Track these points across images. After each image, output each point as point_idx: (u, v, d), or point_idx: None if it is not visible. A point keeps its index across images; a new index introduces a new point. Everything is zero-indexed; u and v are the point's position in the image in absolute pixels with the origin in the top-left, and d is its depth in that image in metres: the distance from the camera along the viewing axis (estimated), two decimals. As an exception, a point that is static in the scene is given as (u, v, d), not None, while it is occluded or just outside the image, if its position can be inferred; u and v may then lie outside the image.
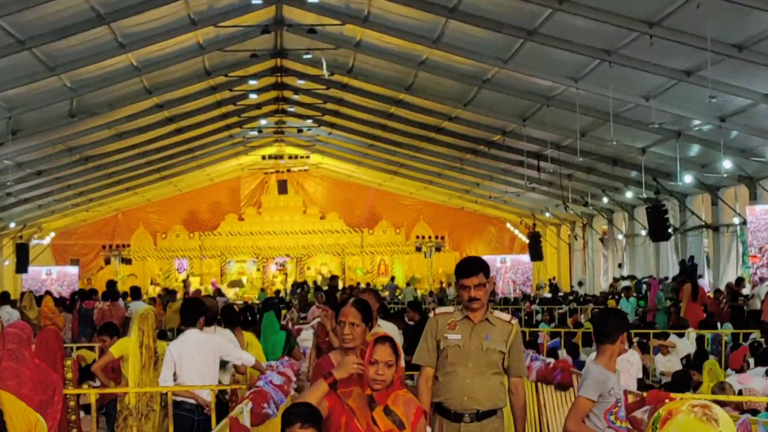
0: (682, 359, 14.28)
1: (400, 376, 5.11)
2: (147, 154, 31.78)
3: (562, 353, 14.99)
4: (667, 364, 13.78)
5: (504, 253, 42.64)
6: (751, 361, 12.99)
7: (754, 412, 8.38)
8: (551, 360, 10.25)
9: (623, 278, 30.48)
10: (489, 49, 20.00)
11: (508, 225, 43.88)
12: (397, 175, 39.64)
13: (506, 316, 6.19)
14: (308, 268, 43.59)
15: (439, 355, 6.10)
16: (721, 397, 7.86)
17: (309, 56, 24.29)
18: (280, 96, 30.42)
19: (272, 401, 7.59)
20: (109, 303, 19.13)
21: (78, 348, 15.25)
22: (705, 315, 19.39)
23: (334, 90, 27.85)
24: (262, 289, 38.76)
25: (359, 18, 20.45)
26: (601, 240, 36.66)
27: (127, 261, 42.64)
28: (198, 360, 8.56)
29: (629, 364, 10.53)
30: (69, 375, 8.92)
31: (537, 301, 30.34)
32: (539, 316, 24.89)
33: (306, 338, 13.32)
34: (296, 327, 16.52)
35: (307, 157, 41.30)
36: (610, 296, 27.39)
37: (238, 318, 10.75)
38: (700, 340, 15.05)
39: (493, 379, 6.05)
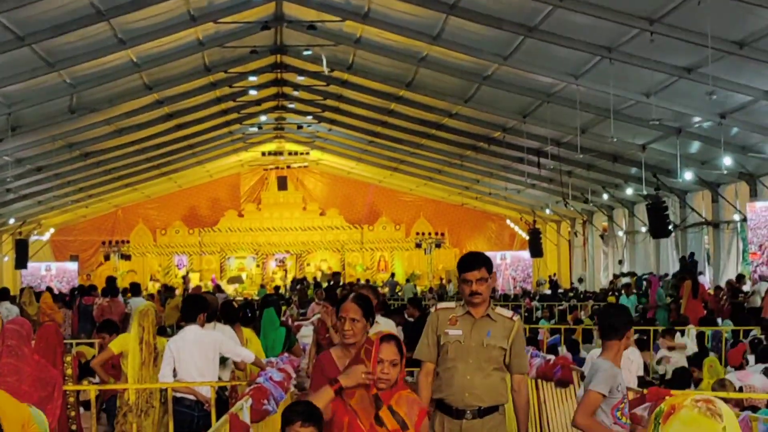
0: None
1: (403, 376, 5.06)
2: (146, 151, 31.75)
3: (562, 350, 14.99)
4: (678, 359, 13.67)
5: (504, 249, 42.66)
6: (750, 358, 13.00)
7: (754, 408, 8.37)
8: (551, 357, 10.24)
9: (623, 275, 30.48)
10: (489, 46, 19.98)
11: (508, 221, 43.88)
12: (397, 172, 39.62)
13: (508, 313, 6.16)
14: (308, 265, 43.60)
15: (439, 351, 6.07)
16: (722, 394, 7.84)
17: (309, 53, 24.26)
18: (280, 92, 30.40)
19: (272, 398, 7.58)
20: (108, 299, 19.11)
21: (77, 344, 15.25)
22: (705, 312, 19.39)
23: (334, 86, 27.84)
24: (262, 286, 38.75)
25: (359, 14, 20.43)
26: (602, 237, 36.67)
27: (126, 257, 42.64)
28: (197, 356, 8.55)
29: (629, 361, 10.50)
30: (69, 371, 8.91)
31: (537, 297, 30.34)
32: (539, 313, 24.90)
33: (306, 334, 13.29)
34: (296, 323, 16.52)
35: (307, 153, 41.26)
36: (610, 293, 27.40)
37: (238, 314, 10.75)
38: (700, 337, 15.06)
39: (494, 376, 6.01)
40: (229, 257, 43.78)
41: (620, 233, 34.43)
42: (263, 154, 41.13)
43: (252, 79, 26.72)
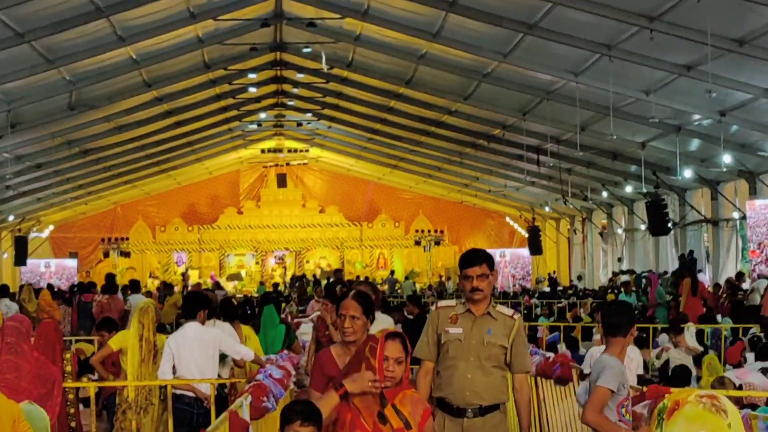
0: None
1: (408, 375, 5.01)
2: (146, 148, 31.74)
3: (561, 347, 14.99)
4: (682, 357, 13.61)
5: (503, 247, 42.66)
6: (749, 356, 13.00)
7: (753, 407, 8.37)
8: (550, 354, 10.25)
9: (622, 272, 30.49)
10: (489, 43, 19.97)
11: (508, 219, 43.87)
12: (396, 169, 39.62)
13: (509, 311, 6.12)
14: (307, 262, 43.60)
15: (440, 349, 6.04)
16: (721, 392, 7.84)
17: (308, 50, 24.24)
18: (280, 89, 30.39)
19: (272, 395, 7.59)
20: (107, 296, 19.08)
21: (77, 341, 15.25)
22: (704, 310, 19.39)
23: (334, 84, 27.82)
24: (261, 283, 38.75)
25: (359, 11, 20.41)
26: (601, 234, 36.67)
27: (125, 254, 42.62)
28: (197, 353, 8.55)
29: (629, 359, 10.50)
30: (68, 368, 8.92)
31: (536, 295, 30.35)
32: (538, 311, 24.91)
33: (305, 332, 13.28)
34: (295, 320, 16.51)
35: (307, 150, 41.25)
36: (609, 291, 27.40)
37: (237, 311, 10.75)
38: (699, 335, 15.06)
39: (495, 374, 5.98)
40: (228, 254, 43.79)
41: (619, 231, 34.43)
42: (263, 151, 41.11)
43: (251, 76, 26.70)
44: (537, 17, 17.52)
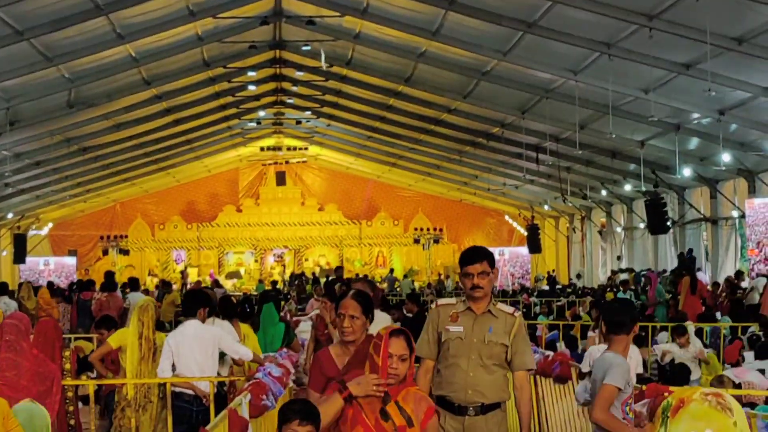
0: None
1: (412, 372, 4.99)
2: (145, 145, 31.74)
3: (561, 346, 14.99)
4: (686, 355, 13.54)
5: (502, 245, 42.65)
6: (747, 355, 12.99)
7: (752, 405, 8.38)
8: (550, 353, 10.26)
9: (621, 271, 30.50)
10: (488, 42, 19.97)
11: (507, 217, 43.87)
12: (395, 167, 39.62)
13: (509, 309, 6.09)
14: (306, 260, 43.60)
15: (440, 348, 6.01)
16: (720, 391, 7.85)
17: (308, 48, 24.24)
18: (279, 87, 30.38)
19: (271, 393, 7.59)
20: (106, 294, 19.06)
21: (76, 339, 15.23)
22: (703, 308, 19.40)
23: (333, 81, 27.82)
24: (260, 281, 38.74)
25: (358, 9, 20.40)
26: (600, 233, 36.67)
27: (124, 252, 42.61)
28: (196, 351, 8.55)
29: (628, 358, 10.53)
30: (67, 366, 8.92)
31: (535, 293, 30.35)
32: (537, 309, 24.91)
33: (304, 330, 13.27)
34: (294, 319, 16.50)
35: (306, 148, 41.25)
36: (608, 289, 27.40)
37: (236, 309, 10.76)
38: (698, 333, 15.04)
39: (496, 372, 5.96)
40: (227, 252, 43.79)
41: (618, 229, 34.44)
42: (262, 149, 41.13)
43: (251, 74, 26.69)
44: (536, 16, 17.53)
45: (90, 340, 14.10)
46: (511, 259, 42.31)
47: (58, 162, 30.08)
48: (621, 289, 24.61)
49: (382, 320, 8.09)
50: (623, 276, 28.40)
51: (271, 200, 44.48)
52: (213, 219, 44.36)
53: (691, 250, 26.27)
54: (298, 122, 35.07)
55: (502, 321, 5.99)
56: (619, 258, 34.09)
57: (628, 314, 5.93)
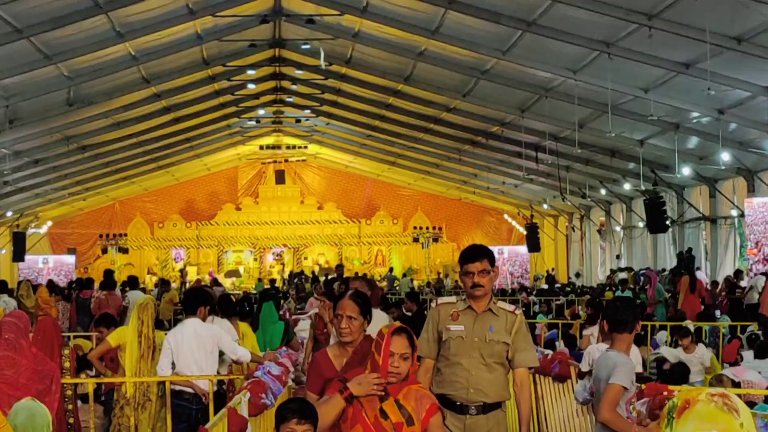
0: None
1: (415, 370, 4.96)
2: (144, 144, 31.73)
3: (560, 345, 14.99)
4: (693, 360, 13.43)
5: (501, 244, 42.65)
6: (745, 354, 12.99)
7: (751, 404, 8.38)
8: (549, 351, 10.26)
9: (620, 270, 30.50)
10: (488, 41, 19.96)
11: (506, 216, 43.88)
12: (395, 166, 39.62)
13: (510, 307, 6.09)
14: (305, 258, 43.59)
15: (441, 347, 6.00)
16: (727, 391, 7.85)
17: (307, 46, 24.23)
18: (278, 86, 30.38)
19: (270, 392, 7.59)
20: (106, 292, 19.07)
21: (75, 337, 15.23)
22: (702, 307, 19.40)
23: (333, 80, 27.81)
24: (259, 279, 38.75)
25: (358, 8, 20.39)
26: (599, 232, 36.68)
27: (124, 250, 42.61)
28: (196, 349, 8.55)
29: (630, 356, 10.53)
30: (66, 364, 8.91)
31: (534, 292, 30.35)
32: (536, 308, 24.91)
33: (303, 328, 13.29)
34: (293, 317, 16.52)
35: (305, 147, 41.25)
36: (607, 288, 27.41)
37: (235, 308, 10.76)
38: (697, 332, 15.04)
39: (498, 371, 5.95)
40: (226, 251, 43.77)
41: (618, 228, 34.44)
42: (261, 147, 41.12)
43: (250, 72, 26.69)
44: (536, 15, 17.53)
45: (89, 338, 14.10)
46: (510, 258, 42.32)
47: (57, 160, 30.07)
48: (620, 288, 24.62)
49: (380, 319, 8.09)
50: (622, 275, 28.41)
51: (271, 199, 44.46)
52: (212, 217, 44.35)
53: (690, 249, 26.27)
54: (298, 121, 35.07)
55: (503, 319, 5.97)
56: (618, 257, 34.10)
57: (630, 313, 5.94)
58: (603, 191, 32.04)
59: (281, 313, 14.34)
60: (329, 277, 25.47)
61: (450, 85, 24.69)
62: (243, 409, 6.91)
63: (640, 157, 24.64)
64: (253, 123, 35.04)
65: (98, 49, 20.15)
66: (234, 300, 13.11)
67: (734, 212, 24.69)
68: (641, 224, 30.22)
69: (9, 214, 35.25)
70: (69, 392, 9.01)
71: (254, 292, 30.61)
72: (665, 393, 5.89)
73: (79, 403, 9.48)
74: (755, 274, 21.28)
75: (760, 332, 14.33)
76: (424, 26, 20.12)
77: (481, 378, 5.90)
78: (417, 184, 43.38)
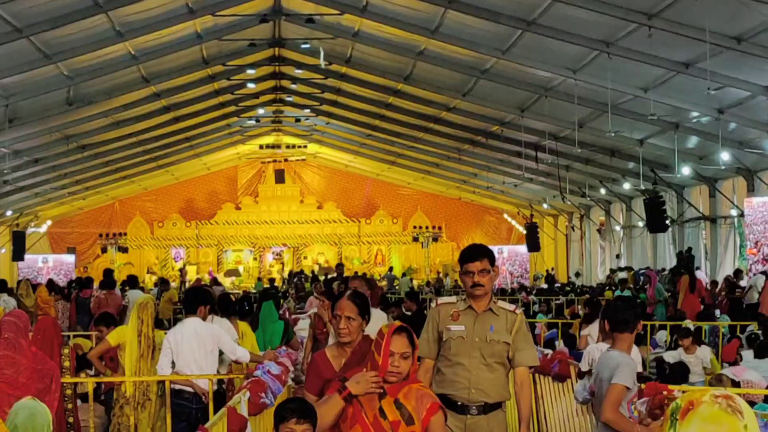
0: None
1: (416, 370, 4.93)
2: (144, 143, 31.72)
3: (559, 344, 14.99)
4: (695, 362, 13.39)
5: (501, 243, 42.65)
6: (744, 353, 12.98)
7: (751, 404, 8.38)
8: (549, 351, 10.26)
9: (620, 269, 30.50)
10: (487, 40, 19.96)
11: (506, 216, 43.88)
12: (394, 165, 39.61)
13: (510, 306, 6.08)
14: (305, 258, 43.59)
15: (441, 347, 5.99)
16: (731, 393, 7.85)
17: (307, 46, 24.23)
18: (278, 85, 30.37)
19: (270, 391, 7.59)
20: (105, 292, 19.06)
21: (75, 336, 15.23)
22: (702, 307, 19.40)
23: (332, 80, 27.81)
24: (259, 279, 38.75)
25: (357, 8, 20.39)
26: (599, 231, 36.68)
27: (123, 249, 42.61)
28: (196, 348, 8.55)
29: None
30: (66, 363, 8.91)
31: (534, 291, 30.36)
32: (536, 307, 24.92)
33: (303, 328, 13.30)
34: (293, 317, 16.52)
35: (305, 146, 41.23)
36: (607, 287, 27.41)
37: (234, 307, 10.76)
38: (697, 332, 15.03)
39: (498, 371, 5.94)
40: (226, 250, 43.77)
41: (617, 228, 34.44)
42: (261, 147, 41.11)
43: (250, 72, 26.69)
44: (535, 14, 17.53)
45: (89, 337, 14.10)
46: (510, 258, 42.32)
47: (57, 159, 30.07)
48: (619, 287, 24.61)
49: (378, 318, 8.09)
50: (622, 274, 28.41)
51: (270, 198, 44.46)
52: (212, 217, 44.35)
53: (690, 249, 26.28)
54: (297, 120, 35.06)
55: (504, 319, 5.96)
56: (618, 256, 34.10)
57: (632, 312, 5.93)
58: (603, 191, 32.05)
59: (281, 312, 14.34)
60: (329, 276, 25.47)
61: (450, 85, 24.69)
62: (243, 408, 6.91)
63: (639, 157, 24.64)
64: (253, 122, 35.04)
65: (98, 49, 20.14)
66: (233, 299, 13.12)
67: (734, 212, 24.69)
68: (641, 224, 30.22)
69: (9, 213, 35.25)
70: (69, 391, 9.00)
71: (254, 291, 30.60)
72: (665, 392, 5.89)
73: (78, 402, 9.47)
74: (754, 274, 21.29)
75: (759, 332, 14.32)
76: (423, 26, 20.12)
77: (483, 378, 5.89)
78: (417, 183, 43.38)
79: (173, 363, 8.52)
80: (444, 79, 24.30)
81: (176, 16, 20.05)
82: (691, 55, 17.35)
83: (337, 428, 4.79)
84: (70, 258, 41.26)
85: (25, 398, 5.52)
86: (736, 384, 9.76)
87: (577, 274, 37.88)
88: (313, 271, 38.38)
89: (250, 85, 28.47)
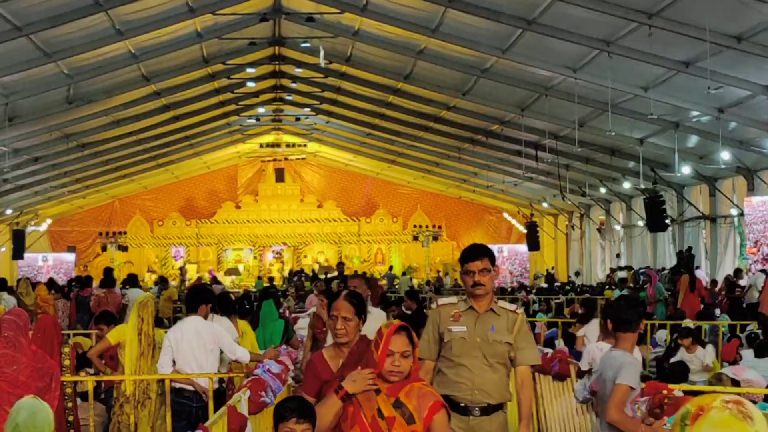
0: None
1: (417, 368, 4.91)
2: (144, 142, 31.71)
3: (559, 343, 15.00)
4: (694, 361, 13.36)
5: (501, 242, 42.67)
6: (744, 353, 12.98)
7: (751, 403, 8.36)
8: (549, 350, 10.26)
9: (620, 269, 30.50)
10: (488, 39, 19.96)
11: (506, 215, 43.89)
12: (394, 164, 39.61)
13: (511, 306, 6.07)
14: (305, 257, 43.59)
15: (442, 347, 5.96)
16: (719, 389, 7.87)
17: (307, 45, 24.22)
18: (278, 84, 30.37)
19: (270, 390, 7.59)
20: (105, 290, 19.07)
21: (75, 335, 15.23)
22: (702, 306, 19.40)
23: (332, 78, 27.81)
24: (259, 277, 38.75)
25: (358, 6, 20.39)
26: (599, 230, 36.68)
27: (123, 248, 42.61)
28: (196, 347, 8.55)
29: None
30: (66, 362, 8.90)
31: (534, 291, 30.36)
32: (536, 306, 24.93)
33: (303, 327, 13.31)
34: (293, 315, 16.53)
35: (305, 145, 41.23)
36: (607, 287, 27.42)
37: (234, 306, 10.76)
38: (696, 331, 15.02)
39: (501, 371, 5.93)
40: (226, 249, 43.76)
41: (617, 227, 34.44)
42: (261, 145, 41.12)
43: (250, 70, 26.68)
44: (536, 13, 17.53)
45: (89, 336, 14.10)
46: (510, 257, 42.32)
47: (56, 158, 30.07)
48: (619, 286, 24.61)
49: (378, 317, 8.09)
50: (622, 273, 28.41)
51: (270, 197, 44.45)
52: (212, 216, 44.34)
53: (690, 248, 26.28)
54: (297, 119, 35.06)
55: (505, 319, 5.95)
56: (618, 256, 34.10)
57: (635, 312, 5.92)
58: (603, 190, 32.05)
59: (281, 311, 14.34)
60: (329, 275, 25.48)
61: (450, 84, 24.68)
62: (243, 406, 6.91)
63: (640, 156, 24.64)
64: (253, 121, 35.03)
65: (98, 47, 20.14)
66: (233, 298, 13.13)
67: (734, 211, 24.69)
68: (641, 223, 30.22)
69: (9, 211, 35.24)
70: (69, 390, 9.00)
71: (254, 290, 30.60)
72: (665, 392, 5.89)
73: (78, 400, 9.47)
74: (753, 273, 21.29)
75: (759, 331, 14.32)
76: (424, 25, 20.12)
77: (486, 379, 5.87)
78: (417, 182, 43.37)
79: (174, 361, 8.52)
80: (444, 78, 24.31)
81: (176, 14, 20.05)
82: (691, 54, 17.35)
83: (338, 429, 4.77)
84: (70, 256, 41.26)
85: (27, 397, 5.52)
86: (736, 383, 9.76)
87: (577, 274, 37.89)
88: (313, 270, 38.39)
89: (250, 84, 28.46)
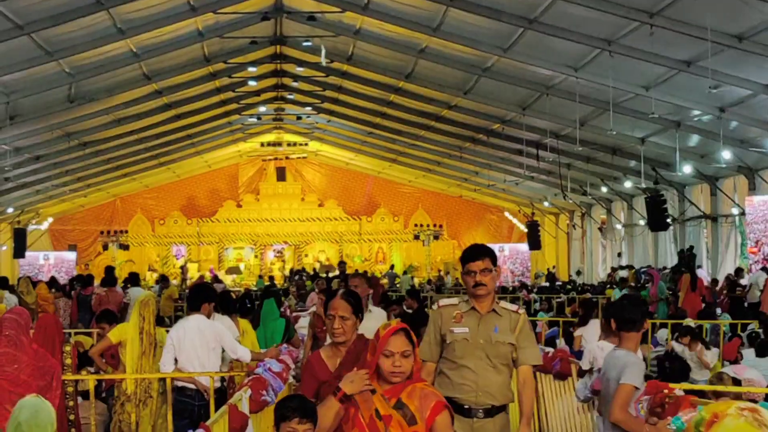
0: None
1: (419, 368, 4.88)
2: (145, 140, 31.72)
3: (560, 342, 15.00)
4: (693, 358, 13.38)
5: (502, 242, 42.65)
6: (745, 352, 12.99)
7: (752, 402, 8.37)
8: (550, 349, 10.26)
9: (621, 268, 30.49)
10: (489, 38, 19.96)
11: (507, 214, 43.87)
12: (395, 163, 39.60)
13: (513, 306, 6.05)
14: (306, 256, 43.60)
15: (444, 349, 5.93)
16: (720, 388, 7.86)
17: (308, 43, 24.22)
18: (280, 83, 30.36)
19: (271, 388, 7.59)
20: (106, 289, 19.08)
21: (76, 334, 15.24)
22: (703, 305, 19.40)
23: (334, 77, 27.80)
24: (260, 276, 38.76)
25: (359, 5, 20.39)
26: (600, 229, 36.67)
27: (124, 247, 42.60)
28: (198, 345, 8.55)
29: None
30: (68, 361, 8.91)
31: (535, 290, 30.36)
32: (537, 305, 24.93)
33: (303, 326, 13.31)
34: (294, 314, 16.53)
35: (306, 144, 41.22)
36: (608, 286, 27.41)
37: (235, 305, 10.76)
38: (698, 330, 15.03)
39: (504, 372, 5.90)
40: (227, 248, 43.77)
41: (618, 226, 34.44)
42: (262, 144, 41.11)
43: (251, 69, 26.67)
44: (537, 12, 17.53)
45: (90, 335, 14.11)
46: (511, 256, 42.31)
47: (58, 157, 30.08)
48: (620, 286, 24.60)
49: (378, 316, 8.09)
50: (623, 273, 28.40)
51: (271, 196, 44.46)
52: (213, 214, 44.35)
53: (691, 248, 26.28)
54: (299, 118, 35.05)
55: (507, 319, 5.92)
56: (619, 255, 34.09)
57: (638, 311, 5.91)
58: (604, 189, 32.04)
59: (282, 310, 14.35)
60: (330, 274, 25.49)
61: (451, 83, 24.68)
62: (244, 405, 6.92)
63: (641, 155, 24.63)
64: (254, 120, 35.03)
65: (99, 46, 20.15)
66: (234, 297, 13.13)
67: (735, 210, 24.69)
68: (642, 222, 30.21)
69: (10, 210, 35.27)
70: (70, 389, 9.00)
71: (255, 289, 30.61)
72: (665, 391, 5.89)
73: (79, 399, 9.47)
74: (754, 273, 21.29)
75: (760, 330, 14.33)
76: (425, 23, 20.12)
77: (490, 380, 5.84)
78: (418, 181, 43.36)
79: (176, 360, 8.52)
80: (445, 77, 24.30)
81: (178, 13, 20.05)
82: (692, 53, 17.36)
83: (339, 431, 4.74)
84: (72, 255, 41.27)
85: (30, 396, 5.52)
86: (737, 382, 9.76)
87: (578, 273, 37.88)
88: (314, 269, 38.40)
89: (252, 83, 28.46)
